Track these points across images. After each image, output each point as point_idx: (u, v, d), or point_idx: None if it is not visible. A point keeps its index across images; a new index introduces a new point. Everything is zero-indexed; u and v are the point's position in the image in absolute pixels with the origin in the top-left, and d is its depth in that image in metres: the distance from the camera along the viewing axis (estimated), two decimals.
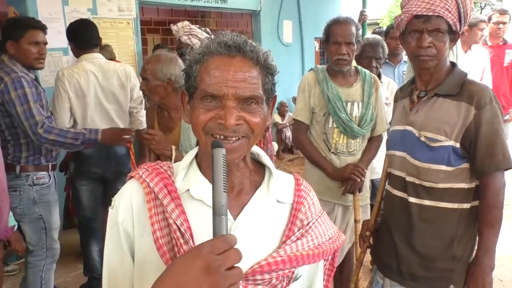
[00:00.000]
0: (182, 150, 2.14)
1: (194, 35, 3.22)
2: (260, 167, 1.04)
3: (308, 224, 1.00)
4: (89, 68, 2.91)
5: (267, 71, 0.92)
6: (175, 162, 2.04)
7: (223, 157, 0.77)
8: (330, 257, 1.09)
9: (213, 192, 0.74)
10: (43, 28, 2.61)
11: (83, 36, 2.95)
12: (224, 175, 0.75)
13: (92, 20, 4.52)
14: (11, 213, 1.96)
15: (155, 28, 5.86)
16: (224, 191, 0.74)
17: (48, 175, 2.67)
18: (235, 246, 0.71)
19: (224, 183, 0.74)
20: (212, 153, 0.78)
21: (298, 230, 0.98)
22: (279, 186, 1.01)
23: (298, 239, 0.96)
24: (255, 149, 1.03)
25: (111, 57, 4.38)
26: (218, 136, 0.88)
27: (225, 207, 0.73)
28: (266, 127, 0.99)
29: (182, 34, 3.10)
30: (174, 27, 3.18)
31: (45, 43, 2.62)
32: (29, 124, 2.43)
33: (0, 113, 2.48)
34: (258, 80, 0.89)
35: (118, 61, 4.30)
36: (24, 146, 2.56)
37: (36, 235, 2.63)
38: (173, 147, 2.14)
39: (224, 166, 0.76)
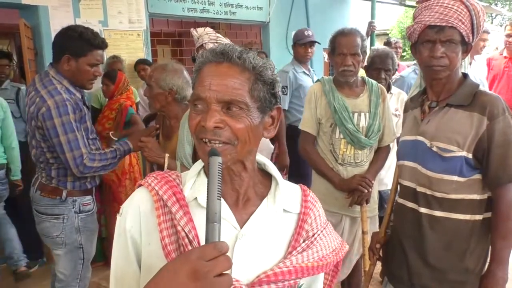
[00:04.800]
0: (178, 159, 2.16)
1: (220, 43, 3.18)
2: (266, 177, 1.05)
3: (313, 236, 1.01)
4: None
5: (258, 77, 0.93)
6: (167, 170, 2.05)
7: (219, 165, 0.79)
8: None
9: (207, 199, 0.75)
10: (106, 48, 2.35)
11: None
12: (219, 183, 0.76)
13: (103, 32, 4.61)
14: None
15: (165, 39, 5.92)
16: (218, 199, 0.75)
17: (92, 200, 2.42)
18: (226, 254, 0.71)
19: (218, 191, 0.75)
20: (208, 161, 0.80)
21: (304, 241, 0.99)
22: (286, 196, 1.02)
23: (303, 250, 0.97)
24: (261, 158, 1.04)
25: (112, 68, 4.35)
26: (204, 140, 0.90)
27: (218, 214, 0.74)
28: (264, 137, 0.99)
29: (208, 41, 3.09)
30: (195, 32, 3.17)
31: (102, 63, 2.37)
32: (73, 156, 2.14)
33: (40, 136, 2.20)
34: (244, 86, 0.90)
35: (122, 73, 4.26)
36: (70, 170, 2.23)
37: (72, 264, 2.37)
38: (166, 155, 2.18)
39: (219, 174, 0.77)
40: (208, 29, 3.12)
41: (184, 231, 0.90)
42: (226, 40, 3.04)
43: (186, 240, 0.89)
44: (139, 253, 0.95)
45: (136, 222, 0.95)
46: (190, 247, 0.88)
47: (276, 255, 0.96)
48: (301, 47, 4.08)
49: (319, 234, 1.01)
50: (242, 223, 0.95)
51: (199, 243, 0.89)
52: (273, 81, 0.96)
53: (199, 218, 0.92)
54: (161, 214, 0.92)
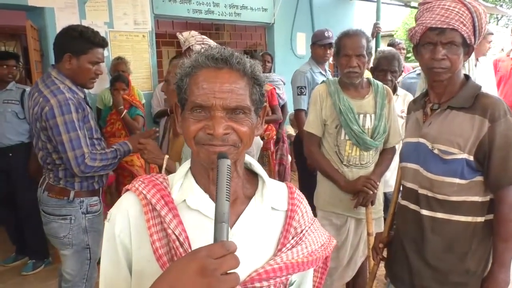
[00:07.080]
0: (184, 158, 2.15)
1: (207, 45, 3.23)
2: (253, 176, 1.07)
3: (301, 232, 1.03)
4: None
5: (255, 81, 0.95)
6: (166, 171, 2.05)
7: (227, 167, 0.80)
8: None
9: (216, 200, 0.76)
10: (106, 46, 2.37)
11: None
12: (227, 185, 0.78)
13: (108, 33, 4.65)
14: None
15: (170, 41, 5.94)
16: (227, 200, 0.76)
17: (99, 201, 2.43)
18: (234, 253, 0.72)
19: (227, 192, 0.77)
20: (217, 164, 0.81)
21: (292, 238, 1.01)
22: (273, 194, 1.04)
23: (293, 246, 0.99)
24: (247, 158, 1.06)
25: (116, 69, 4.41)
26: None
27: (227, 215, 0.75)
28: (255, 136, 1.01)
29: (194, 43, 3.12)
30: (180, 36, 3.21)
31: (103, 61, 2.38)
32: (75, 155, 2.14)
33: (45, 137, 2.21)
34: (245, 91, 0.92)
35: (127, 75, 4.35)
36: (71, 169, 2.22)
37: (78, 265, 2.39)
38: (166, 156, 2.18)
39: (228, 177, 0.79)
40: (194, 32, 3.15)
41: (175, 233, 0.90)
42: (212, 42, 3.08)
43: (177, 242, 0.90)
44: (129, 258, 0.95)
45: (125, 227, 0.95)
46: (181, 249, 0.90)
47: (266, 253, 0.98)
48: (320, 48, 3.99)
49: (307, 230, 1.03)
50: (231, 223, 0.95)
51: (189, 245, 0.90)
52: (263, 82, 0.98)
53: (189, 221, 0.94)
54: (150, 218, 0.93)
